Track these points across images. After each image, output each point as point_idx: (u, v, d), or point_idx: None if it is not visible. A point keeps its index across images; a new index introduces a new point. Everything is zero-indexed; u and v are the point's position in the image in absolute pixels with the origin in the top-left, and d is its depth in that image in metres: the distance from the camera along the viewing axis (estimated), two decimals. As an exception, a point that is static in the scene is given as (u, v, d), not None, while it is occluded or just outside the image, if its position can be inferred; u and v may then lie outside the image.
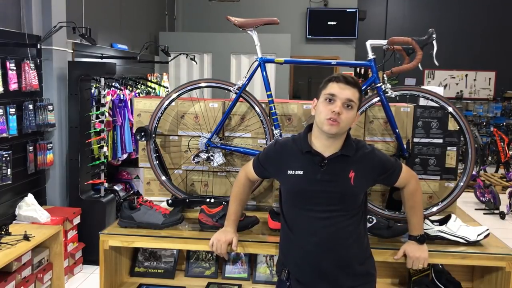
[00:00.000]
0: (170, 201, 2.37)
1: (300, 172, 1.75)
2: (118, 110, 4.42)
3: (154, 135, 2.38)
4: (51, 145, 3.80)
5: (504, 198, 6.18)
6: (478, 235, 2.05)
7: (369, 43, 2.26)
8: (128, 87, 4.96)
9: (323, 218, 1.73)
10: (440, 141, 2.44)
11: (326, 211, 1.72)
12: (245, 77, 2.34)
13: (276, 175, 1.88)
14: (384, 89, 2.22)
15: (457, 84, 10.39)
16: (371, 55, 2.25)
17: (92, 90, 4.18)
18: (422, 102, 2.40)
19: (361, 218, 1.81)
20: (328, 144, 1.74)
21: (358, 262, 1.77)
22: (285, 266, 1.81)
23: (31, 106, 3.54)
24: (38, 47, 3.68)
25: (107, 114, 4.24)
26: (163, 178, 2.39)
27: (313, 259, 1.73)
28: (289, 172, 1.77)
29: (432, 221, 2.11)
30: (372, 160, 1.79)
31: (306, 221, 1.75)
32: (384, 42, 2.25)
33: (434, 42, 2.18)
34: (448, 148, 2.44)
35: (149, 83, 5.76)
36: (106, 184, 4.34)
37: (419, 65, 2.21)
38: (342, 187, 1.73)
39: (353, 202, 1.76)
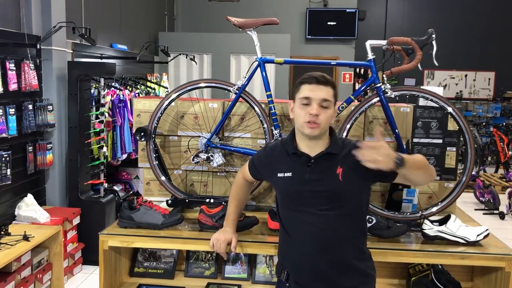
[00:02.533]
0: (169, 201, 2.37)
1: (289, 174, 1.76)
2: (117, 110, 4.42)
3: (153, 135, 2.38)
4: (51, 145, 3.79)
5: (503, 198, 6.18)
6: (478, 235, 2.05)
7: (368, 43, 2.26)
8: (128, 87, 4.96)
9: (317, 218, 1.71)
10: (440, 141, 2.43)
11: (319, 211, 1.71)
12: (245, 77, 2.34)
13: (269, 178, 1.90)
14: (383, 89, 2.23)
15: (456, 84, 10.40)
16: (370, 55, 2.26)
17: (92, 90, 4.18)
18: (422, 102, 2.40)
19: (358, 217, 1.78)
20: (313, 145, 1.74)
21: (356, 262, 1.75)
22: (284, 268, 1.81)
23: (30, 106, 3.54)
24: (38, 47, 3.67)
25: (106, 114, 4.24)
26: (163, 178, 2.39)
27: (310, 261, 1.73)
28: (279, 175, 1.78)
29: (432, 221, 2.11)
30: None
31: (301, 222, 1.74)
32: (383, 42, 2.25)
33: (434, 42, 2.19)
34: (448, 148, 2.44)
35: (148, 83, 5.75)
36: (105, 184, 4.34)
37: (419, 65, 2.22)
38: (331, 185, 1.71)
39: (345, 200, 1.72)
